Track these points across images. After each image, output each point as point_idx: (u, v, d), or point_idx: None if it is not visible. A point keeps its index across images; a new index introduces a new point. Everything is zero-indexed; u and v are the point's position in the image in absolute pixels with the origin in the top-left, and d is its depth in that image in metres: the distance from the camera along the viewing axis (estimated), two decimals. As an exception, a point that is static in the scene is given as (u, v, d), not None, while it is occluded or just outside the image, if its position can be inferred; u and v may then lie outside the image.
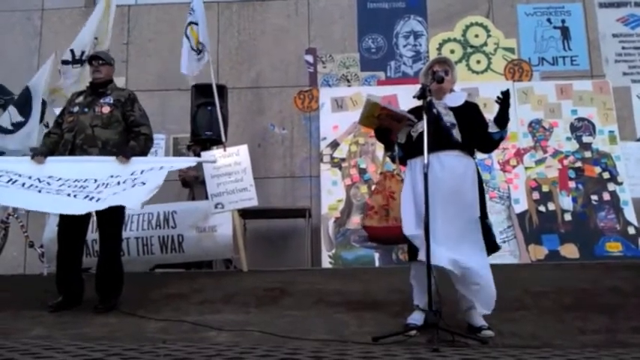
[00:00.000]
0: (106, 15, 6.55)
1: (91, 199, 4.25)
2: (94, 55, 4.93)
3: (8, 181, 4.34)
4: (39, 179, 4.40)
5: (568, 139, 7.56)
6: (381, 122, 3.83)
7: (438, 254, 3.48)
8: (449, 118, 3.81)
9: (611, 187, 7.28)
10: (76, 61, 6.35)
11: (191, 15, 6.30)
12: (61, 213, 4.35)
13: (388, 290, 4.74)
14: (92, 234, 5.07)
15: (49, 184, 4.36)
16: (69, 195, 4.25)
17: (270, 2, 8.48)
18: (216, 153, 5.95)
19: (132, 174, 4.47)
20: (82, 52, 6.32)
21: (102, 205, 4.19)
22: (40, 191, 4.27)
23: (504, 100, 3.73)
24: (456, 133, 3.77)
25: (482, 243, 3.68)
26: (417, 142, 3.74)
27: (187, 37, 6.27)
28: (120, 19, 8.09)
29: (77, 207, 4.20)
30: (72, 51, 6.34)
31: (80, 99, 4.81)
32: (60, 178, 4.41)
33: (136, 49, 8.35)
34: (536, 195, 7.30)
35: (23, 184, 4.34)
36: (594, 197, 7.25)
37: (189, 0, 6.46)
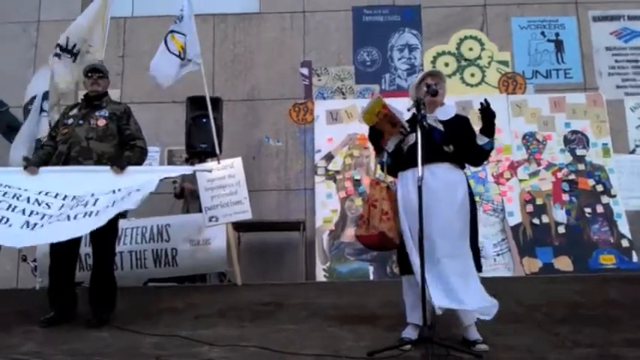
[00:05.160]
0: (101, 22, 6.54)
1: (90, 214, 4.24)
2: (94, 68, 4.90)
3: (8, 210, 4.31)
4: (37, 200, 4.38)
5: (562, 151, 7.62)
6: (378, 122, 3.84)
7: (437, 293, 3.49)
8: (439, 130, 3.83)
9: (604, 199, 7.33)
10: (68, 50, 6.34)
11: (176, 24, 6.28)
12: (65, 239, 4.30)
13: (383, 304, 4.74)
14: (85, 248, 5.04)
15: (48, 205, 4.34)
16: (69, 218, 4.24)
17: (266, 15, 8.51)
18: (210, 165, 5.95)
19: (129, 193, 4.47)
20: (75, 45, 6.30)
21: (101, 221, 4.18)
22: (42, 225, 4.21)
23: (485, 109, 3.75)
24: (447, 146, 3.79)
25: (469, 253, 3.70)
26: (409, 154, 3.76)
27: (167, 45, 6.22)
28: (115, 32, 8.09)
29: (79, 229, 4.20)
30: (67, 38, 6.31)
31: (75, 111, 4.80)
32: (57, 195, 4.39)
33: (131, 62, 8.35)
34: (530, 208, 7.33)
35: (23, 211, 4.31)
36: (588, 210, 7.28)
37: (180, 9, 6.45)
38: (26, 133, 6.71)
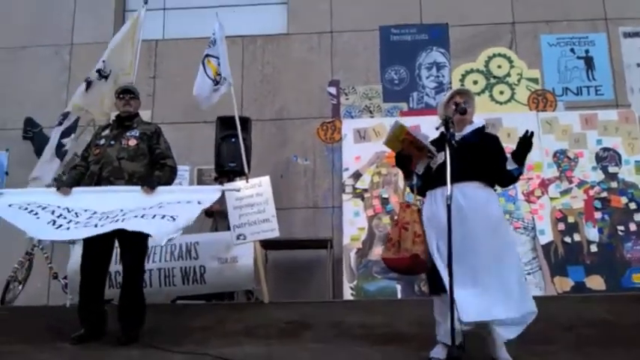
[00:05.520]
0: (131, 44, 6.69)
1: (116, 222, 4.31)
2: (125, 89, 5.00)
3: (39, 207, 4.43)
4: (68, 208, 4.47)
5: (594, 169, 7.50)
6: (403, 147, 3.83)
7: (466, 308, 3.43)
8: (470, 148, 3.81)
9: (637, 217, 7.18)
10: (102, 73, 6.56)
11: (209, 48, 6.42)
12: (87, 236, 4.38)
13: (411, 323, 4.68)
14: (115, 265, 5.09)
15: (77, 214, 4.42)
16: (96, 226, 4.31)
17: (294, 36, 8.61)
18: (239, 184, 5.99)
19: (159, 204, 4.51)
20: (110, 70, 6.57)
21: (128, 225, 4.23)
22: (68, 228, 4.31)
23: (527, 140, 3.70)
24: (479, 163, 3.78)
25: (519, 263, 3.68)
26: (438, 173, 3.74)
27: (204, 66, 6.37)
28: (147, 54, 8.25)
29: (102, 229, 4.26)
30: (104, 62, 6.55)
31: (106, 132, 4.89)
32: (87, 210, 4.47)
33: (163, 83, 8.50)
34: (561, 226, 7.21)
35: (53, 212, 4.41)
36: (620, 228, 7.15)
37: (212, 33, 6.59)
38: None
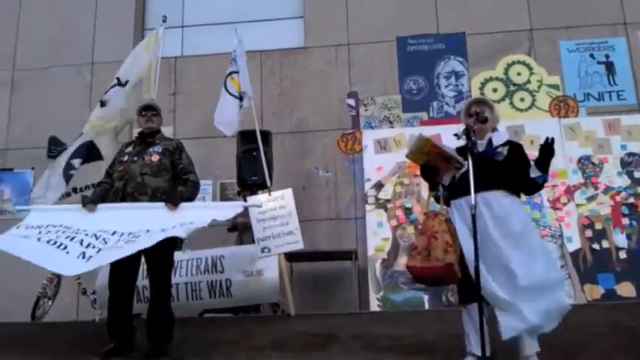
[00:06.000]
0: (148, 62, 6.74)
1: (142, 241, 4.35)
2: (148, 106, 5.07)
3: (67, 238, 4.45)
4: (96, 235, 4.49)
5: (619, 174, 7.43)
6: (429, 159, 3.82)
7: (507, 323, 3.46)
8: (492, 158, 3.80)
9: (665, 223, 7.10)
10: (121, 84, 6.62)
11: (232, 65, 6.48)
12: (115, 259, 4.40)
13: (439, 334, 4.64)
14: (142, 280, 5.12)
15: (105, 241, 4.45)
16: (122, 247, 4.34)
17: (311, 49, 8.65)
18: (261, 197, 6.01)
19: (181, 224, 4.55)
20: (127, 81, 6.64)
21: (151, 241, 4.27)
22: (98, 256, 4.35)
23: (548, 146, 3.68)
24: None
25: (553, 259, 3.66)
26: (460, 182, 3.73)
27: (226, 88, 6.43)
28: (167, 71, 8.34)
29: (128, 250, 4.29)
30: (118, 78, 6.61)
31: (130, 149, 4.94)
32: (115, 232, 4.50)
33: (183, 99, 8.58)
34: (589, 233, 7.15)
35: (81, 242, 4.44)
36: (649, 233, 7.07)
37: (232, 50, 6.65)
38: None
